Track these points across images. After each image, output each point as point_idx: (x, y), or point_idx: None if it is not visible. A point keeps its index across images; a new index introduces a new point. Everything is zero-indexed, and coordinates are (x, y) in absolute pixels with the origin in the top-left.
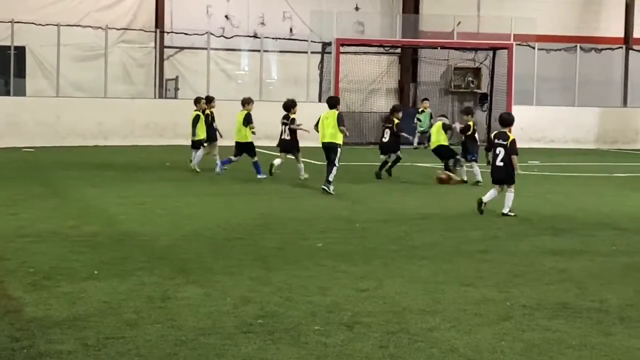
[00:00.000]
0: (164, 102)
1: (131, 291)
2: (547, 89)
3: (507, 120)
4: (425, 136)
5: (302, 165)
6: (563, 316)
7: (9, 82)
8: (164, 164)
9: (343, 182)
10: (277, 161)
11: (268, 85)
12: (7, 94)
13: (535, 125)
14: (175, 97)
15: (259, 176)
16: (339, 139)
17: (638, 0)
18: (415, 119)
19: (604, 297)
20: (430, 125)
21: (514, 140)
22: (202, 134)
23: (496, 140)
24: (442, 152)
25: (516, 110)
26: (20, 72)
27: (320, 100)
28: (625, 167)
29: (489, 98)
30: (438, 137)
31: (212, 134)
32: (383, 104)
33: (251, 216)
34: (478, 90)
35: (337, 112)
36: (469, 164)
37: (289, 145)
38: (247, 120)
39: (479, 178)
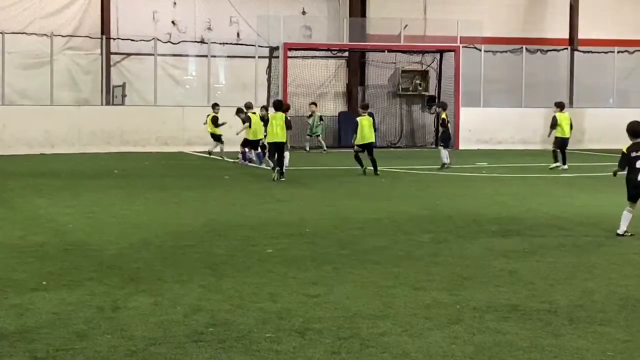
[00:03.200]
0: (111, 109)
1: (80, 302)
2: (494, 91)
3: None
4: (317, 139)
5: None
6: (513, 318)
7: None
8: (111, 171)
9: (292, 187)
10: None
11: (216, 91)
12: None
13: (483, 126)
14: (123, 104)
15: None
16: (285, 138)
17: (582, 1)
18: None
19: (553, 298)
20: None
21: None
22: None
23: (633, 154)
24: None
25: (463, 112)
26: None
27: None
28: (572, 168)
29: (436, 100)
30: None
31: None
32: (331, 107)
33: (200, 223)
34: (426, 93)
35: (284, 115)
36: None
37: None
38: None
39: (446, 160)
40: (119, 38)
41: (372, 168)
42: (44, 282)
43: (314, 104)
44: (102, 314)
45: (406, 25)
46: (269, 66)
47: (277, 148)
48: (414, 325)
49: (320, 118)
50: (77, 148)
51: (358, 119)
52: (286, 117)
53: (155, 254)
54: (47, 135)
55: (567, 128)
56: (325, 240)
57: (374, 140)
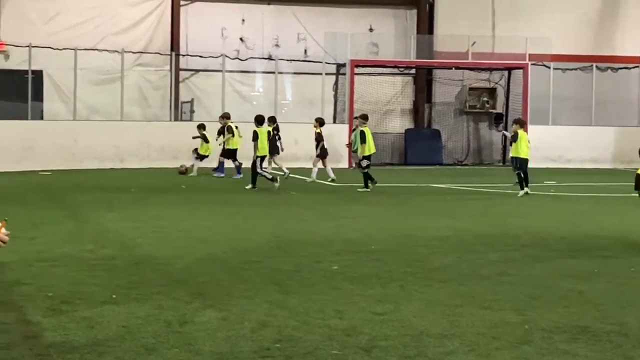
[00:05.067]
0: (180, 124)
1: (149, 315)
2: (563, 109)
3: None
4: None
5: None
6: (582, 340)
7: (27, 106)
8: (179, 186)
9: (357, 204)
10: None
11: (282, 107)
12: (25, 117)
13: (551, 145)
14: (191, 120)
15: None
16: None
17: None
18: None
19: (624, 320)
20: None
21: None
22: None
23: None
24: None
25: (532, 130)
26: (38, 96)
27: (335, 122)
28: None
29: (504, 118)
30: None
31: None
32: (398, 124)
33: (266, 239)
34: (493, 110)
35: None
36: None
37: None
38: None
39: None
40: (188, 54)
41: (363, 184)
42: (114, 296)
43: (357, 118)
44: (170, 328)
45: (474, 42)
46: (336, 83)
47: (262, 160)
48: (481, 345)
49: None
50: (146, 163)
51: (363, 129)
52: (269, 131)
53: (222, 269)
54: (117, 150)
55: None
56: (391, 258)
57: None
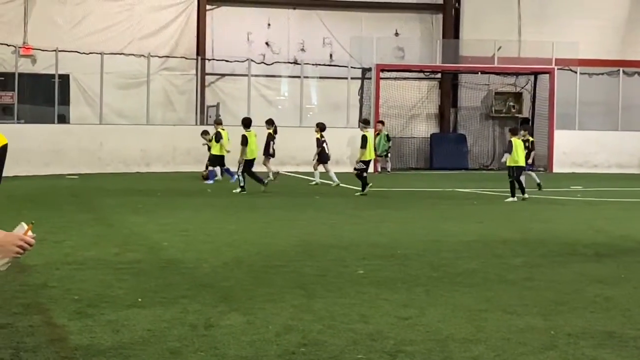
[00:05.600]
0: (205, 128)
1: (175, 319)
2: (590, 113)
3: None
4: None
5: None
6: (609, 345)
7: (53, 110)
8: (204, 190)
9: (382, 208)
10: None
11: (308, 111)
12: (51, 121)
13: (578, 149)
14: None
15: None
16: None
17: None
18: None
19: None
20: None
21: None
22: None
23: None
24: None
25: (558, 135)
26: (64, 100)
27: (359, 126)
28: None
29: (530, 123)
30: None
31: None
32: (423, 129)
33: (291, 243)
34: (519, 115)
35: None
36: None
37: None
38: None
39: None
40: (213, 59)
41: (360, 188)
42: (140, 299)
43: (381, 122)
44: (196, 331)
45: (500, 47)
46: (361, 87)
47: (252, 163)
48: (507, 350)
49: (388, 137)
50: (171, 167)
51: (365, 134)
52: (269, 134)
53: (247, 273)
54: (143, 153)
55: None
56: (416, 262)
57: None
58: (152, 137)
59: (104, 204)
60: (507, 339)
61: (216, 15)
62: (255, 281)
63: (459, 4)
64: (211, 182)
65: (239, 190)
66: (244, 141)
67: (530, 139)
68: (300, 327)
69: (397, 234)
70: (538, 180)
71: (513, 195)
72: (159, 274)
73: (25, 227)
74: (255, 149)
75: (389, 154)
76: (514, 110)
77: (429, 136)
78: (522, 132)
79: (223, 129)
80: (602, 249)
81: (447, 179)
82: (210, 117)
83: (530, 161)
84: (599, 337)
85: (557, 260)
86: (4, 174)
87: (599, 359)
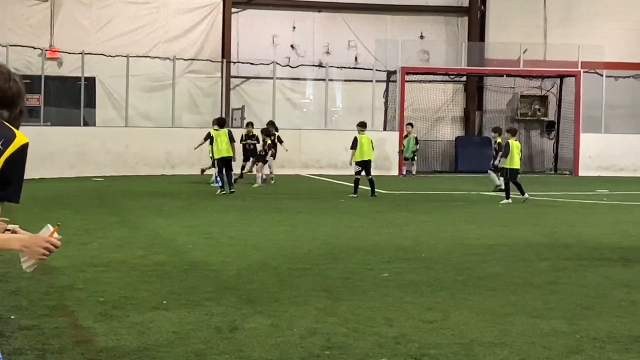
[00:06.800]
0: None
1: (199, 321)
2: (616, 117)
3: None
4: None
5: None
6: (635, 350)
7: (79, 113)
8: (229, 193)
9: (407, 211)
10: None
11: (333, 114)
12: (77, 124)
13: (604, 153)
14: (242, 127)
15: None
16: (232, 153)
17: None
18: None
19: None
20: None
21: None
22: None
23: None
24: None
25: (584, 138)
26: (90, 103)
27: (385, 129)
28: None
29: (556, 126)
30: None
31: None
32: (448, 132)
33: (315, 245)
34: (545, 118)
35: (227, 130)
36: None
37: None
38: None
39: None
40: (239, 62)
41: (369, 189)
42: (165, 301)
43: (410, 124)
44: (220, 334)
45: (525, 50)
46: (386, 90)
47: (225, 163)
48: (532, 354)
49: (416, 140)
50: (196, 169)
51: (357, 136)
52: (230, 132)
53: (272, 276)
54: (168, 156)
55: (517, 158)
56: (441, 266)
57: (372, 159)
58: (177, 139)
59: (129, 206)
60: (532, 343)
61: (241, 18)
62: (279, 284)
63: (485, 7)
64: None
65: (218, 191)
66: (210, 140)
67: (498, 140)
68: (324, 330)
69: (422, 237)
70: (497, 183)
71: (508, 197)
72: (183, 277)
73: (51, 228)
74: (226, 149)
75: (415, 157)
76: (539, 114)
77: (454, 139)
78: (493, 134)
79: (216, 130)
80: (628, 252)
81: (472, 182)
82: (235, 119)
83: (496, 162)
84: (624, 341)
85: (583, 264)
86: (29, 176)
87: None
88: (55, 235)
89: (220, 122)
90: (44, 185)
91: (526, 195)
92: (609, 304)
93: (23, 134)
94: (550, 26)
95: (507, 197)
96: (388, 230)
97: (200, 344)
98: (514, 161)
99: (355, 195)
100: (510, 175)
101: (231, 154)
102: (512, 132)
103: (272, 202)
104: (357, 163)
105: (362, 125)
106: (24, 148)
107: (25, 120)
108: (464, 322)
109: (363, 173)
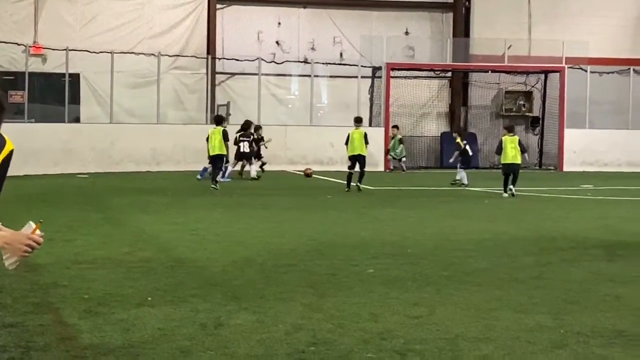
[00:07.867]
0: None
1: (185, 318)
2: (600, 112)
3: None
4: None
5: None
6: (619, 344)
7: (64, 109)
8: (215, 189)
9: (393, 207)
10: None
11: (318, 110)
12: (62, 120)
13: (588, 148)
14: (227, 123)
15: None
16: (224, 151)
17: None
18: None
19: None
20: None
21: None
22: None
23: None
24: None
25: (568, 134)
26: (75, 99)
27: (370, 125)
28: None
29: (541, 121)
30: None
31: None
32: (434, 128)
33: (301, 242)
34: (530, 114)
35: (222, 128)
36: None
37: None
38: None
39: (464, 181)
40: (224, 58)
41: (358, 183)
42: (150, 298)
43: (395, 126)
44: (205, 330)
45: (510, 46)
46: (372, 86)
47: (215, 160)
48: (516, 349)
49: (401, 140)
50: (182, 166)
51: (349, 132)
52: (224, 131)
53: (258, 272)
54: (153, 152)
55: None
56: (426, 261)
57: (364, 153)
58: (162, 136)
59: (114, 203)
60: (516, 337)
61: (226, 14)
62: (265, 280)
63: (470, 3)
64: (224, 180)
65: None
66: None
67: (458, 139)
68: (310, 326)
69: (408, 232)
70: (457, 178)
71: (506, 191)
72: (169, 273)
73: (33, 226)
74: (218, 147)
75: (404, 158)
76: (524, 109)
77: (439, 135)
78: (454, 134)
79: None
80: (613, 247)
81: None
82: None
83: (451, 160)
84: (608, 335)
85: (568, 259)
86: (13, 173)
87: (609, 358)
88: (38, 232)
89: (216, 120)
90: (28, 183)
91: (505, 194)
92: (594, 299)
93: (9, 140)
94: (535, 22)
95: (506, 190)
96: (374, 226)
97: (185, 341)
98: (507, 156)
99: (348, 190)
100: (503, 170)
101: (223, 152)
102: (509, 129)
103: (258, 198)
104: (349, 158)
105: (355, 121)
106: (11, 154)
107: (9, 117)
108: (449, 318)
109: (357, 168)
